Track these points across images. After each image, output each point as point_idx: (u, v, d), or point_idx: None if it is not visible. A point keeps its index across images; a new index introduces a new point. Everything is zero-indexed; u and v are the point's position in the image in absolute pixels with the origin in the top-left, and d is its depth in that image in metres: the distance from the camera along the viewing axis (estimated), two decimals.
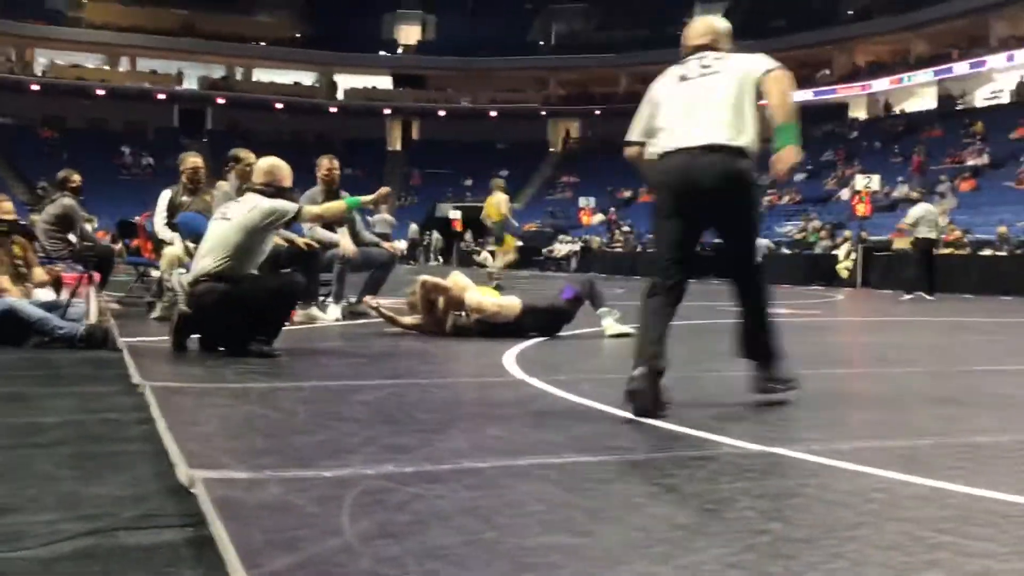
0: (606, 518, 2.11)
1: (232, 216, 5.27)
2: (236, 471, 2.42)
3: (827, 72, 45.08)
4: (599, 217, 37.29)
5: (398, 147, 52.65)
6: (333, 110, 51.11)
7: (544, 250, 32.20)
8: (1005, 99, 37.81)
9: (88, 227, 9.69)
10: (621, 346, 6.16)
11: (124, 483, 2.43)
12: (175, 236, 7.50)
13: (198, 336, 5.23)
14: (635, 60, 50.45)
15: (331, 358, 5.26)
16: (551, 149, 52.27)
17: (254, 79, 51.77)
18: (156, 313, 7.08)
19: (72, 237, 8.25)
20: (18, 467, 2.57)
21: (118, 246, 9.94)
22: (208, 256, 5.15)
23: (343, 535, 1.92)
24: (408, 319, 6.68)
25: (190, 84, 50.34)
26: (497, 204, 14.51)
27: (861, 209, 21.50)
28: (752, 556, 1.85)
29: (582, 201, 35.45)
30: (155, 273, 7.98)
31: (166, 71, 49.59)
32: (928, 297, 14.60)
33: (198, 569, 1.82)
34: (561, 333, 6.55)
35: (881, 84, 42.59)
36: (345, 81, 52.67)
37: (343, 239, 7.63)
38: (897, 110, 42.44)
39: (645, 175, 3.94)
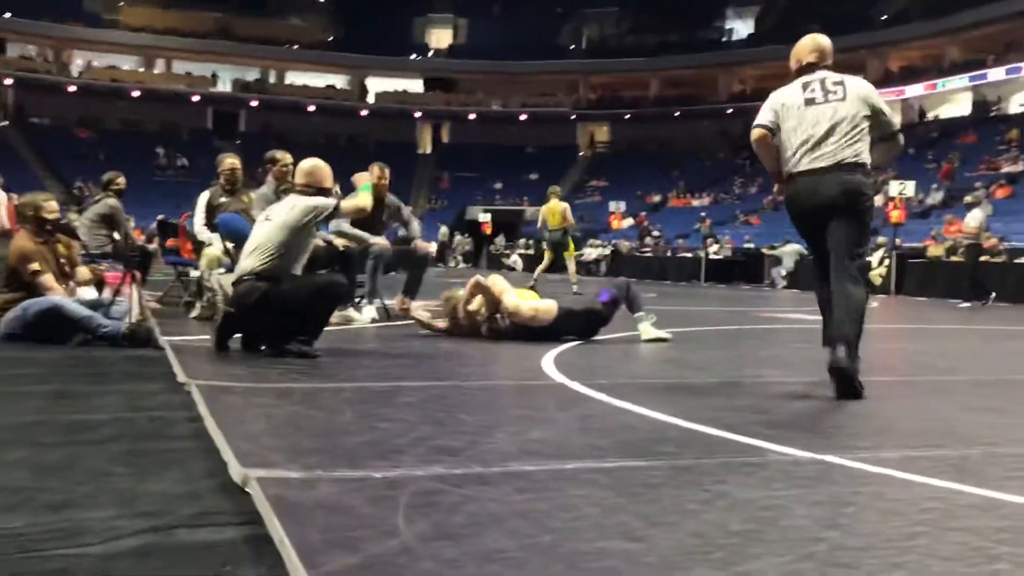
0: (660, 523, 2.10)
1: (274, 217, 5.32)
2: (288, 470, 2.44)
3: (860, 78, 44.69)
4: (628, 221, 37.21)
5: (428, 150, 52.80)
6: (364, 113, 51.35)
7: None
8: None
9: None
10: (658, 351, 6.15)
11: (178, 481, 2.45)
12: (214, 236, 7.57)
13: (240, 336, 5.27)
14: (666, 64, 50.41)
15: (371, 359, 5.29)
16: (580, 153, 52.22)
17: (287, 82, 52.13)
18: (195, 313, 7.14)
19: (116, 236, 8.36)
20: (71, 464, 2.60)
21: (153, 245, 10.05)
22: (252, 256, 5.19)
23: (400, 536, 1.93)
24: (441, 322, 6.70)
25: (224, 86, 50.79)
26: (562, 212, 14.55)
27: (896, 216, 21.29)
28: (811, 565, 1.84)
29: (612, 205, 35.41)
30: (194, 273, 8.05)
31: (201, 73, 50.07)
32: (970, 304, 14.52)
33: (258, 567, 1.83)
34: (597, 337, 6.54)
35: (915, 90, 42.20)
36: (376, 84, 52.93)
37: (376, 236, 7.66)
38: (931, 116, 42.02)
39: (763, 159, 4.63)
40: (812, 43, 4.64)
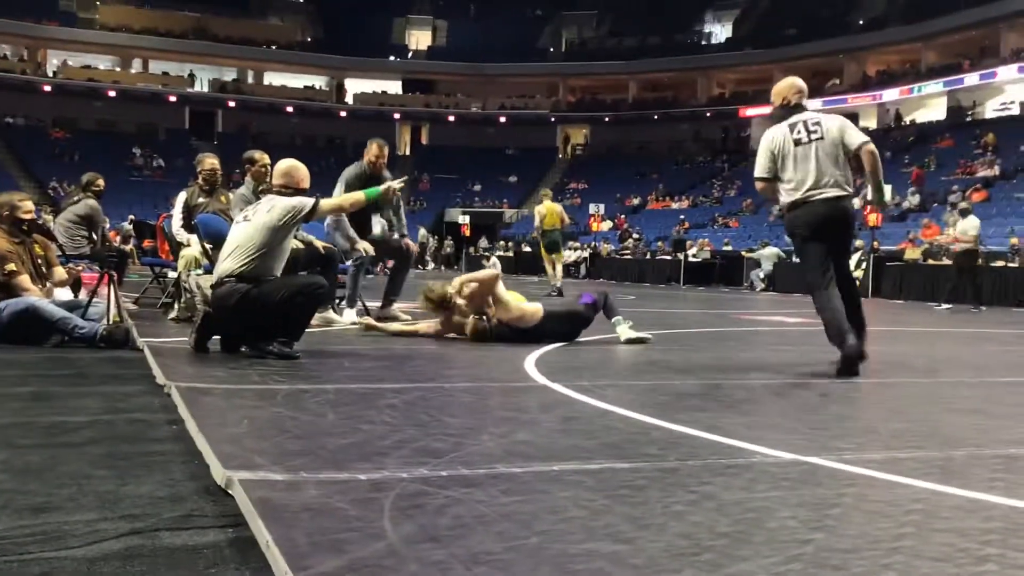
0: (647, 525, 2.09)
1: (253, 218, 5.29)
2: (272, 472, 2.42)
3: (837, 82, 45.09)
4: (608, 224, 37.30)
5: (407, 152, 52.73)
6: (343, 114, 51.21)
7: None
8: (1016, 111, 37.76)
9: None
10: (640, 353, 6.16)
11: (160, 483, 2.42)
12: (192, 237, 7.51)
13: (219, 337, 5.23)
14: (644, 67, 50.61)
15: (352, 361, 5.25)
16: (559, 155, 52.30)
17: (265, 82, 51.92)
18: (173, 314, 7.08)
19: (93, 236, 8.30)
20: (52, 467, 2.56)
21: (129, 246, 10.01)
22: (231, 258, 5.15)
23: (386, 538, 1.91)
24: (423, 325, 6.68)
25: (201, 87, 50.53)
26: (559, 212, 14.57)
27: (873, 219, 21.46)
28: (799, 566, 1.84)
29: (592, 207, 35.51)
30: (172, 274, 7.99)
31: (178, 73, 49.82)
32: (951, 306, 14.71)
33: (243, 570, 1.81)
34: (579, 338, 6.54)
35: (891, 94, 42.61)
36: (355, 85, 52.79)
37: (360, 241, 7.61)
38: (908, 120, 42.40)
39: (773, 201, 5.62)
40: (794, 84, 5.50)
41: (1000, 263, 18.64)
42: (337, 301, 7.74)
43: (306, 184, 5.60)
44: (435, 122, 53.06)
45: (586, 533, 2.01)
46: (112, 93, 47.36)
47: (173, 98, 48.62)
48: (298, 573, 1.68)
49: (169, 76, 49.72)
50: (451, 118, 52.51)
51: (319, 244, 7.11)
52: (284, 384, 4.07)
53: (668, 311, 12.53)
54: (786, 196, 5.33)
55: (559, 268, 15.06)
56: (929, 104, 41.99)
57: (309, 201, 5.35)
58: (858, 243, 21.72)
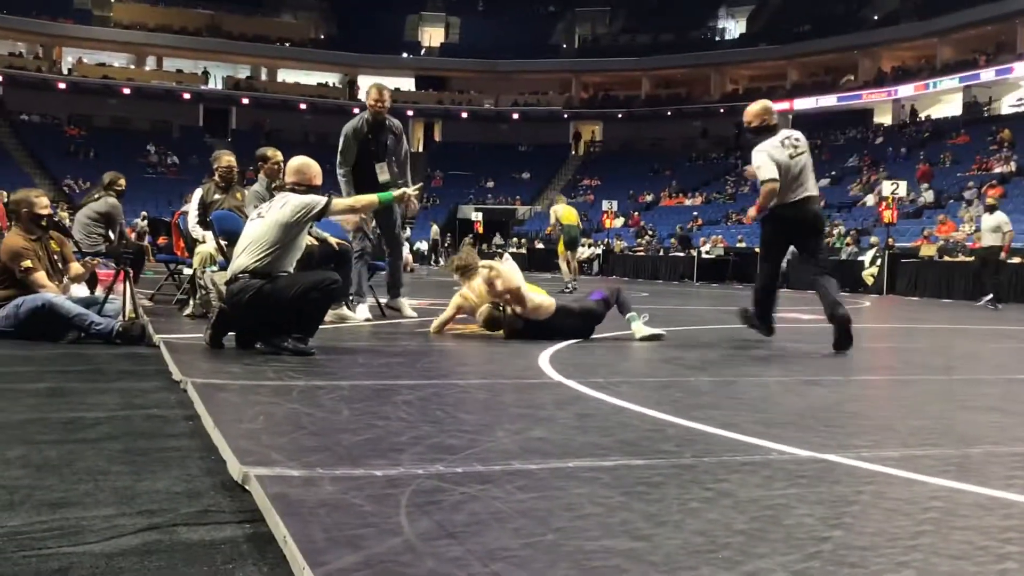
0: (664, 522, 2.09)
1: (266, 214, 5.30)
2: (288, 468, 2.42)
3: (852, 78, 44.86)
4: (621, 220, 37.22)
5: (420, 148, 52.75)
6: (356, 111, 51.11)
7: None
8: None
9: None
10: (654, 350, 6.14)
11: (177, 479, 2.43)
12: (208, 234, 7.53)
13: (234, 333, 5.25)
14: (658, 64, 50.45)
15: (366, 357, 5.26)
16: (573, 152, 52.22)
17: (279, 79, 51.99)
18: (189, 310, 7.11)
19: (111, 234, 8.35)
20: (69, 462, 2.58)
21: (144, 242, 10.06)
22: (245, 254, 5.17)
23: (403, 534, 1.91)
24: (449, 312, 6.71)
25: (215, 84, 50.62)
26: (576, 211, 14.81)
27: (888, 215, 21.34)
28: (817, 563, 1.83)
29: (605, 204, 35.46)
30: (187, 271, 8.02)
31: (192, 71, 49.90)
32: (993, 306, 14.64)
33: (261, 565, 1.82)
34: (593, 335, 6.53)
35: (906, 90, 42.30)
36: (368, 82, 52.61)
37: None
38: (923, 116, 42.14)
39: (770, 199, 6.41)
40: (769, 107, 6.77)
41: (1017, 260, 18.50)
42: (349, 298, 7.75)
43: (319, 181, 5.61)
44: (448, 119, 53.02)
45: (603, 530, 2.01)
46: (126, 90, 47.50)
47: (187, 95, 48.70)
48: (315, 568, 1.68)
49: (183, 73, 49.83)
50: (464, 115, 52.45)
51: (333, 241, 7.13)
52: (299, 380, 4.09)
53: (681, 307, 12.51)
54: (782, 198, 6.36)
55: (574, 265, 15.19)
56: (944, 100, 41.70)
57: (321, 200, 5.36)
58: (873, 240, 21.61)
